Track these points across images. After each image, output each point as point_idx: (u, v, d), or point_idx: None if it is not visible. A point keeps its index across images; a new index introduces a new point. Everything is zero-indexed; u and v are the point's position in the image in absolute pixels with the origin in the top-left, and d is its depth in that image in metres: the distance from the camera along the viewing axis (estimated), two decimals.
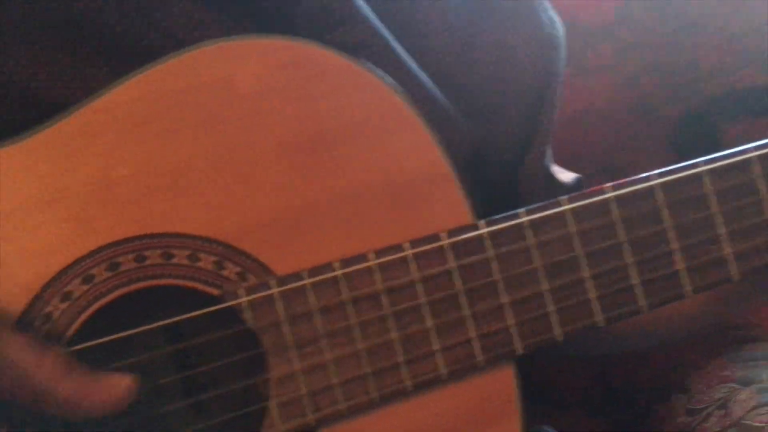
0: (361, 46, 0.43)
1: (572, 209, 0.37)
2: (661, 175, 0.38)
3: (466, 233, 0.36)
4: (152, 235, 0.34)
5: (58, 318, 0.33)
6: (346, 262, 0.35)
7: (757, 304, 0.57)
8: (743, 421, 0.63)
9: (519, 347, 0.37)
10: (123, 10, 0.39)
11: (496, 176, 0.53)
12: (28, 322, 0.33)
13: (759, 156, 0.38)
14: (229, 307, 0.34)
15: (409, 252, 0.36)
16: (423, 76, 0.46)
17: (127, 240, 0.34)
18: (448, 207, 0.37)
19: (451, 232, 0.36)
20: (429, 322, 0.36)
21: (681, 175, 0.38)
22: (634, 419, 0.83)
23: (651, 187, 0.38)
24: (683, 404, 0.72)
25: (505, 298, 0.36)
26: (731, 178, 0.38)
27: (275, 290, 0.34)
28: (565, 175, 0.62)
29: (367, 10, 0.44)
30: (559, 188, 0.59)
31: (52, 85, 0.36)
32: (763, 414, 0.63)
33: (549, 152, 0.59)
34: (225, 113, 0.35)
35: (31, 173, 0.33)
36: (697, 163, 0.38)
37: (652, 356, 0.86)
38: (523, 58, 0.53)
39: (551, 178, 0.58)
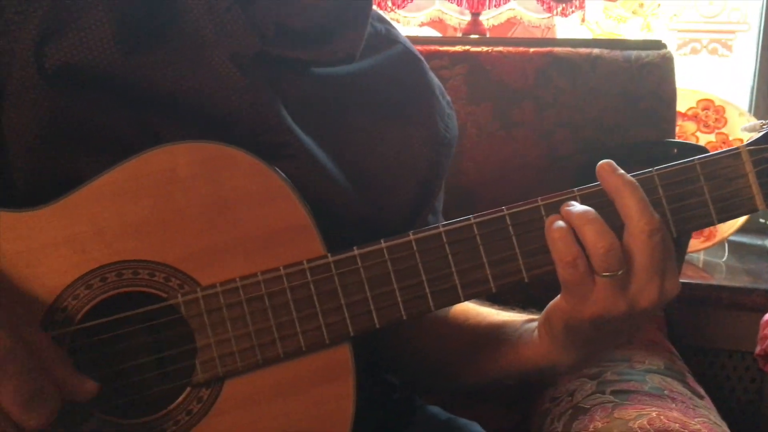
0: (282, 144, 0.66)
1: (387, 247, 0.60)
2: (445, 225, 0.60)
3: (319, 261, 0.59)
4: (126, 261, 0.57)
5: (71, 309, 0.56)
6: (244, 278, 0.58)
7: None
8: (579, 404, 0.84)
9: (351, 332, 0.59)
10: (122, 117, 0.62)
11: (388, 233, 0.73)
12: (52, 311, 0.56)
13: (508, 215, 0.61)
14: (171, 304, 0.57)
15: (282, 272, 0.58)
16: (327, 164, 0.68)
17: (111, 264, 0.57)
18: (309, 244, 0.59)
19: (309, 261, 0.59)
20: (294, 315, 0.58)
21: (458, 225, 0.60)
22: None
23: (440, 233, 0.60)
24: (550, 394, 0.93)
25: (342, 301, 0.59)
26: (492, 226, 0.60)
27: (199, 294, 0.58)
28: None
29: (290, 121, 0.66)
30: None
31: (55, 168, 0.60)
32: (593, 399, 0.84)
33: (434, 216, 0.80)
34: (171, 187, 0.58)
35: (52, 226, 0.57)
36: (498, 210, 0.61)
37: None
38: (419, 153, 0.73)
39: None
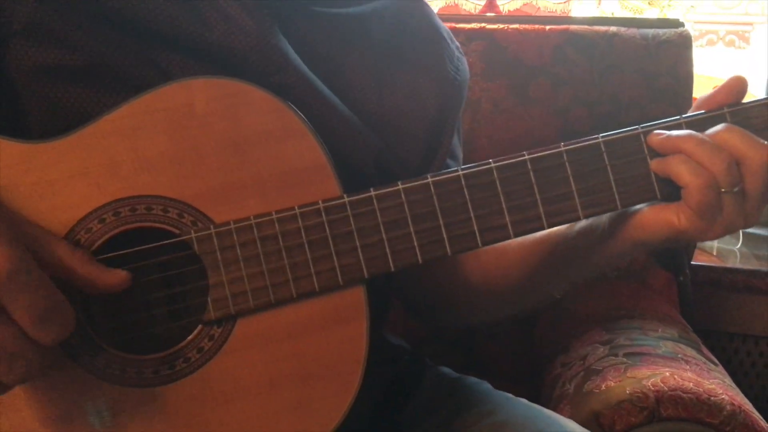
0: (291, 85, 0.65)
1: (404, 189, 0.59)
2: (464, 169, 0.59)
3: (334, 201, 0.58)
4: (140, 196, 0.56)
5: (84, 243, 0.55)
6: (258, 217, 0.57)
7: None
8: (591, 367, 0.83)
9: (366, 274, 0.58)
10: (134, 56, 0.61)
11: (405, 176, 0.73)
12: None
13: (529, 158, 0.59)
14: (183, 240, 0.57)
15: (297, 211, 0.58)
16: (337, 103, 0.68)
17: (124, 198, 0.56)
18: (325, 184, 0.58)
19: (325, 201, 0.58)
20: (308, 255, 0.57)
21: (477, 169, 0.59)
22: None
23: (458, 176, 0.59)
24: (561, 360, 0.92)
25: (357, 243, 0.58)
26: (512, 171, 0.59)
27: (212, 231, 0.57)
28: None
29: (298, 61, 0.66)
30: None
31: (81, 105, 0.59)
32: (605, 362, 0.83)
33: (454, 161, 0.79)
34: (187, 123, 0.58)
35: (66, 158, 0.56)
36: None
37: (553, 331, 1.05)
38: (428, 95, 0.73)
39: None
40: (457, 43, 0.78)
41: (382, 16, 0.72)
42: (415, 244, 0.59)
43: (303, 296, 0.58)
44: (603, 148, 0.60)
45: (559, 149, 0.60)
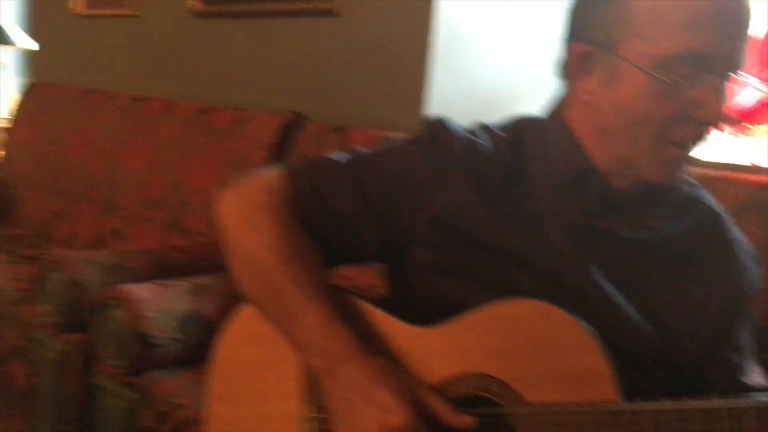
0: (596, 301, 0.84)
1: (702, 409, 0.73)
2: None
3: (614, 406, 0.76)
4: (481, 373, 0.84)
5: (447, 395, 0.85)
6: (555, 405, 0.79)
7: None
8: None
9: None
10: (489, 269, 0.88)
11: (682, 373, 0.84)
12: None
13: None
14: (505, 412, 0.82)
15: (584, 408, 0.78)
16: (632, 314, 0.84)
17: (471, 373, 0.84)
18: (606, 391, 0.77)
19: (607, 404, 0.77)
20: None
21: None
22: None
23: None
24: None
25: None
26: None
27: (523, 410, 0.81)
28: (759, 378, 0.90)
29: (603, 281, 0.84)
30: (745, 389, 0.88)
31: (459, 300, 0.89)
32: None
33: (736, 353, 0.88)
34: (514, 329, 0.82)
35: (442, 341, 0.86)
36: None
37: None
38: (716, 305, 0.86)
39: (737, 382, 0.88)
40: (749, 250, 0.87)
41: (683, 236, 0.86)
42: None
43: None
44: None
45: None
